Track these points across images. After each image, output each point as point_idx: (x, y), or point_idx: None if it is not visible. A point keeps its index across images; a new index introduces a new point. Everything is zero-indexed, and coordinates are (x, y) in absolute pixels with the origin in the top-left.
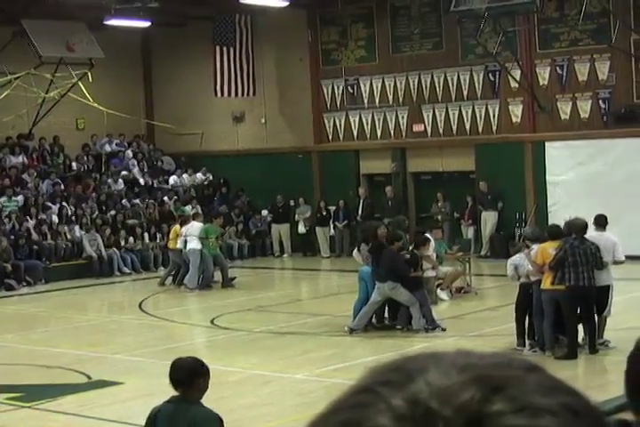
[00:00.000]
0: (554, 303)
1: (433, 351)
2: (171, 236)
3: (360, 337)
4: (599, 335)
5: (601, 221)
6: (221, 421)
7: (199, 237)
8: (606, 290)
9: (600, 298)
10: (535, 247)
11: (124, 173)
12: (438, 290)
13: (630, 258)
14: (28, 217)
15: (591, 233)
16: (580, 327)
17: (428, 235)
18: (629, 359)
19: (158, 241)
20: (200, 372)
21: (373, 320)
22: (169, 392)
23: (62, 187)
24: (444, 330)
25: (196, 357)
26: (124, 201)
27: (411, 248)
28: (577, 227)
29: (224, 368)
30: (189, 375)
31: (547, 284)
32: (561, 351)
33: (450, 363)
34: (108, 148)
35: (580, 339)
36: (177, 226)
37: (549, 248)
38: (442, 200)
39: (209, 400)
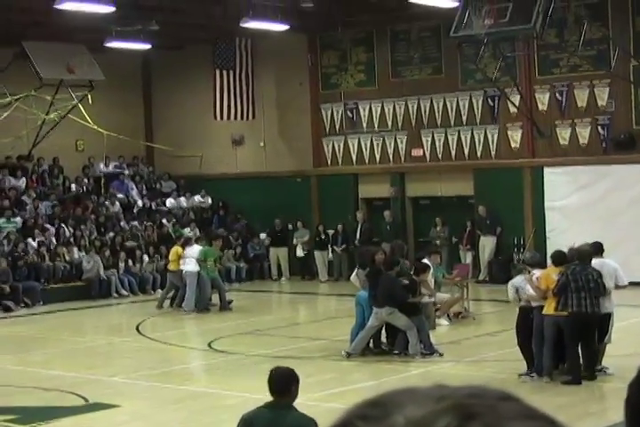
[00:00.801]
0: (556, 329)
1: (410, 386)
2: (171, 257)
3: (358, 362)
4: (598, 362)
5: (597, 249)
6: (316, 424)
7: (197, 260)
8: (607, 317)
9: (601, 325)
10: (536, 272)
11: (121, 195)
12: (437, 318)
13: (630, 284)
14: (30, 238)
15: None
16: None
17: (426, 260)
18: (631, 387)
19: (157, 263)
20: (294, 379)
21: (371, 345)
22: (166, 415)
23: (61, 208)
24: (441, 355)
25: (287, 367)
26: (122, 223)
27: (411, 273)
28: (583, 253)
29: (221, 392)
30: (287, 383)
31: (550, 309)
32: (559, 378)
33: (425, 396)
34: (104, 169)
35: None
36: (178, 247)
37: (553, 274)
38: (440, 225)
39: (206, 424)
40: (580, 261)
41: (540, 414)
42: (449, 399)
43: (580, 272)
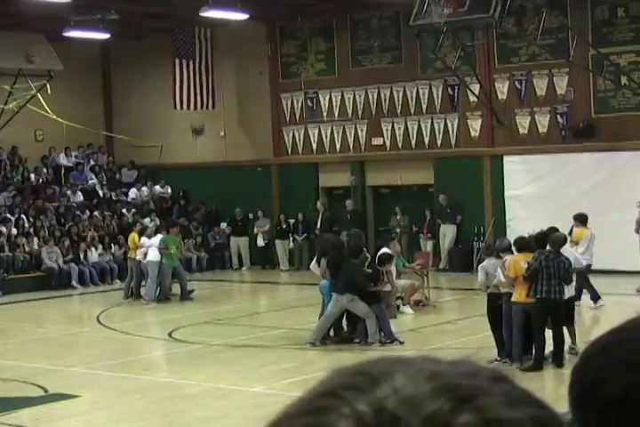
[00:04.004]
0: (525, 316)
1: (397, 356)
2: (130, 245)
3: (318, 350)
4: (573, 342)
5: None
6: None
7: (158, 249)
8: (572, 301)
9: (566, 309)
10: (508, 258)
11: (82, 185)
12: (401, 305)
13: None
14: None
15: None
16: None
17: (386, 249)
18: (573, 373)
19: (116, 253)
20: None
21: (331, 333)
22: (126, 405)
23: (20, 199)
24: (401, 343)
25: None
26: (82, 213)
27: (369, 262)
28: (554, 240)
29: (181, 381)
30: None
31: (520, 296)
32: (528, 363)
33: (417, 369)
34: (65, 161)
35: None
36: (134, 235)
37: (520, 261)
38: (400, 214)
39: (166, 413)
40: (552, 247)
41: (533, 399)
42: (442, 377)
43: (554, 259)
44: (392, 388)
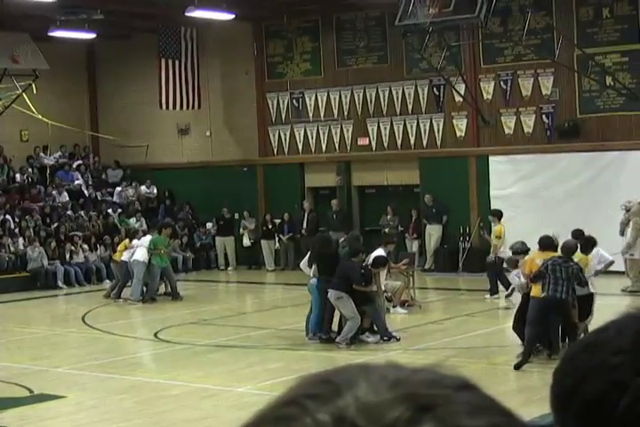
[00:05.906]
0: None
1: (363, 364)
2: (119, 248)
3: (303, 351)
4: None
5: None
6: None
7: (148, 249)
8: (589, 298)
9: (581, 306)
10: (526, 258)
11: (68, 185)
12: (391, 307)
13: None
14: None
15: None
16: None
17: (381, 249)
18: (555, 374)
19: (101, 254)
20: None
21: (319, 333)
22: (112, 405)
23: (6, 199)
24: (398, 340)
25: None
26: (68, 213)
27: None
28: (566, 247)
29: (167, 382)
30: None
31: (536, 292)
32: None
33: (380, 377)
34: (49, 161)
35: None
36: (127, 240)
37: (537, 259)
38: (391, 213)
39: (152, 413)
40: (564, 255)
41: (496, 408)
42: (404, 386)
43: (561, 264)
44: (354, 397)
